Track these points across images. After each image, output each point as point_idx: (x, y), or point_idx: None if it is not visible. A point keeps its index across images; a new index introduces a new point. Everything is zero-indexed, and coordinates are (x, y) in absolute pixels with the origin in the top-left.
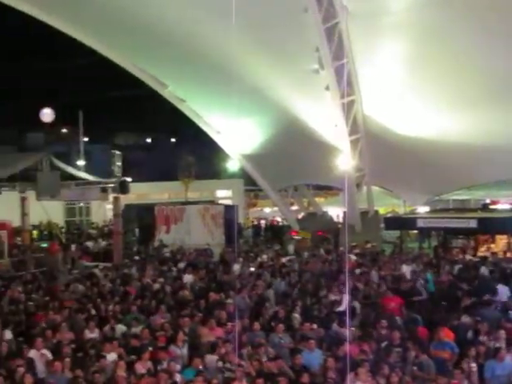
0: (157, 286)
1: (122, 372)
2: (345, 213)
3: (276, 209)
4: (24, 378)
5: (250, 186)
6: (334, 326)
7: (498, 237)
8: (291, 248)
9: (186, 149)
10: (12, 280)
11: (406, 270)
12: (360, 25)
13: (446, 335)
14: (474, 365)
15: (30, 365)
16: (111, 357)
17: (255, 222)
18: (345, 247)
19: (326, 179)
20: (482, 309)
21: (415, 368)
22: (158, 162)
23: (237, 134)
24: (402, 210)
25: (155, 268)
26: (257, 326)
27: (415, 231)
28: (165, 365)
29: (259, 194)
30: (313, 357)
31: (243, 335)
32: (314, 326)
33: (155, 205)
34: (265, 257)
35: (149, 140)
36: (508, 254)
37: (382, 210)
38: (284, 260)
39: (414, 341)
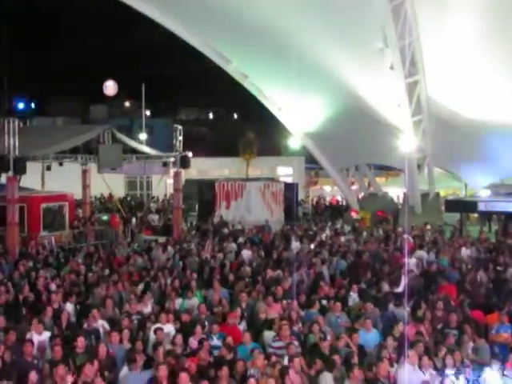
0: (216, 261)
1: (178, 346)
2: (405, 194)
3: (336, 188)
4: (98, 347)
5: (311, 164)
6: (391, 306)
7: None
8: (347, 228)
9: (248, 125)
10: (73, 252)
11: (465, 253)
12: (426, 3)
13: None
14: None
15: (98, 335)
16: (167, 328)
17: (315, 201)
18: (404, 228)
19: (387, 159)
20: None
21: (470, 352)
22: (219, 138)
23: (299, 112)
24: (463, 193)
25: (214, 243)
26: (315, 304)
27: (476, 215)
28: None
29: (320, 173)
30: (369, 337)
31: (298, 313)
32: (371, 305)
33: (216, 180)
34: (324, 235)
35: (211, 115)
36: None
37: (442, 193)
38: (343, 239)
39: (470, 324)
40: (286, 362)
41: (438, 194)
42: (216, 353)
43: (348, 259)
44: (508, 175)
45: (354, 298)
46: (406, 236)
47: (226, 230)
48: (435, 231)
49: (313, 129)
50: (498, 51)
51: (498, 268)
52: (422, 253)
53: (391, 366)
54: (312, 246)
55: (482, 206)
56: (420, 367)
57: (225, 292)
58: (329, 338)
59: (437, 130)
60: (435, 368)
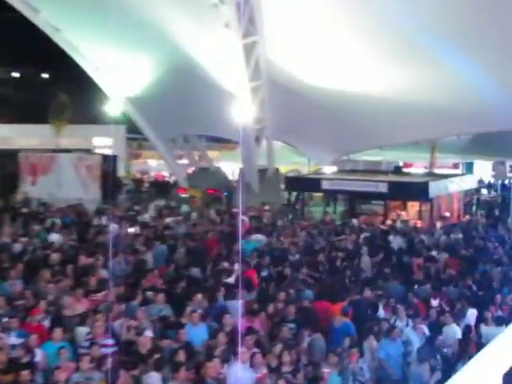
0: (18, 245)
1: None
2: (241, 169)
3: (162, 162)
4: None
5: (134, 134)
6: (221, 298)
7: (409, 204)
8: (186, 207)
9: (61, 87)
10: None
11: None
12: None
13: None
14: (374, 343)
15: None
16: None
17: (138, 176)
18: (239, 208)
19: (221, 130)
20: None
21: (306, 346)
22: (25, 101)
23: (119, 72)
24: (306, 170)
25: (17, 225)
26: (137, 296)
27: (320, 194)
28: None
29: (144, 144)
30: (197, 332)
31: (118, 306)
32: (199, 296)
33: (20, 151)
34: (147, 216)
35: (16, 75)
36: (419, 223)
37: (283, 169)
38: (169, 220)
39: (305, 317)
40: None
41: (277, 171)
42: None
43: (176, 243)
44: (354, 150)
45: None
46: (245, 218)
47: (31, 210)
48: (276, 212)
49: (136, 93)
50: (352, 15)
51: (339, 254)
52: (259, 236)
53: (222, 364)
54: (132, 229)
55: (326, 185)
56: (252, 365)
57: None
58: (149, 333)
59: (278, 98)
60: (269, 366)
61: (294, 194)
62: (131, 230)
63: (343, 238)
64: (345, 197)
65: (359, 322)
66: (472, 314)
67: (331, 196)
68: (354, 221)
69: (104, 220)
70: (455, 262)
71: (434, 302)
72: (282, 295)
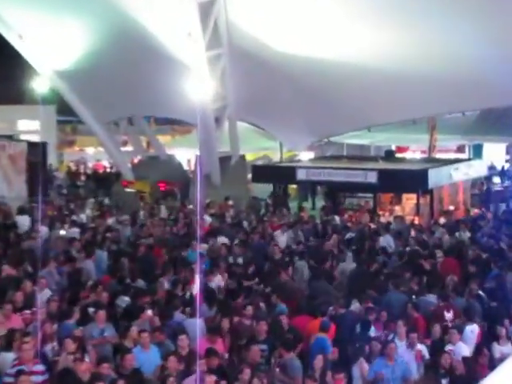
0: None
1: None
2: (198, 157)
3: (102, 149)
4: None
5: (66, 117)
6: (178, 314)
7: (404, 196)
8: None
9: None
10: None
11: (280, 238)
12: None
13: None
14: (366, 366)
15: None
16: None
17: (73, 168)
18: (196, 205)
19: (173, 110)
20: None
21: (278, 370)
22: None
23: (47, 40)
24: (278, 157)
25: None
26: (73, 313)
27: (294, 186)
28: None
29: (79, 128)
30: (148, 357)
31: (51, 325)
32: (149, 312)
33: None
34: (84, 216)
35: None
36: (417, 220)
37: (250, 156)
38: (110, 221)
39: (277, 336)
40: None
41: (243, 158)
42: None
43: (115, 249)
44: (336, 132)
45: (125, 301)
46: (206, 217)
47: None
48: (245, 209)
49: (68, 66)
50: None
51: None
52: (222, 239)
53: None
54: (63, 232)
55: (302, 174)
56: None
57: None
58: (88, 359)
59: (241, 70)
60: None
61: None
62: (65, 232)
63: (326, 240)
64: (325, 189)
65: (345, 341)
66: (471, 330)
67: (309, 188)
68: (337, 218)
69: (31, 221)
70: (461, 266)
71: (448, 315)
72: (250, 310)
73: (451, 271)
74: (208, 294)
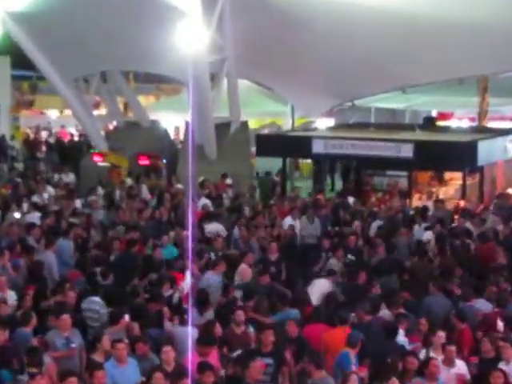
0: None
1: None
2: (188, 124)
3: (69, 113)
4: None
5: (23, 71)
6: (167, 324)
7: (447, 175)
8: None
9: None
10: None
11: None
12: None
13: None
14: None
15: None
16: None
17: (31, 135)
18: (187, 183)
19: (158, 65)
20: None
21: None
22: None
23: None
24: (288, 124)
25: None
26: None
27: (309, 160)
28: None
29: (39, 86)
30: (122, 372)
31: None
32: (126, 318)
33: None
34: (45, 196)
35: None
36: (462, 204)
37: (254, 123)
38: (78, 203)
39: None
40: None
41: (245, 126)
42: None
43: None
44: (362, 94)
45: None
46: (203, 199)
47: None
48: (243, 189)
49: (26, 6)
50: None
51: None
52: (215, 226)
53: None
54: (17, 215)
55: (318, 146)
56: None
57: None
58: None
59: (244, 14)
60: None
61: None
62: (20, 216)
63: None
64: (347, 165)
65: (371, 357)
66: None
67: (327, 164)
68: (351, 200)
69: None
70: None
71: (500, 325)
72: (240, 315)
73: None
74: (200, 296)
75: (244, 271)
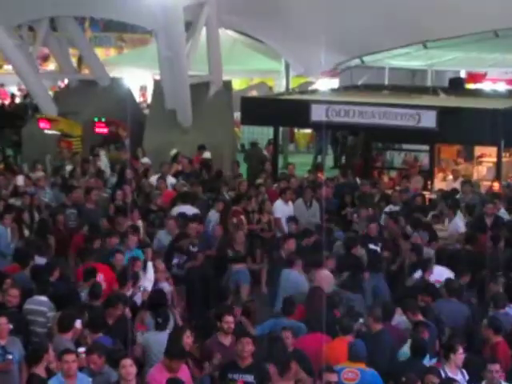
0: None
1: None
2: (157, 83)
3: (9, 68)
4: None
5: None
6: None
7: (478, 150)
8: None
9: None
10: None
11: (284, 210)
12: None
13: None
14: None
15: None
16: None
17: None
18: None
19: (120, 10)
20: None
21: None
22: None
23: None
24: (282, 85)
25: None
26: None
27: (307, 130)
28: None
29: None
30: None
31: None
32: (78, 323)
33: None
34: None
35: None
36: (496, 187)
37: (239, 84)
38: (20, 181)
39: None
40: None
41: (228, 87)
42: None
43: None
44: (374, 48)
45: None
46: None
47: None
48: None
49: None
50: None
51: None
52: (188, 209)
53: None
54: None
55: (318, 113)
56: None
57: None
58: None
59: None
60: None
61: None
62: None
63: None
64: (355, 137)
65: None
66: None
67: (329, 135)
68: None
69: None
70: None
71: None
72: (228, 321)
73: None
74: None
75: None
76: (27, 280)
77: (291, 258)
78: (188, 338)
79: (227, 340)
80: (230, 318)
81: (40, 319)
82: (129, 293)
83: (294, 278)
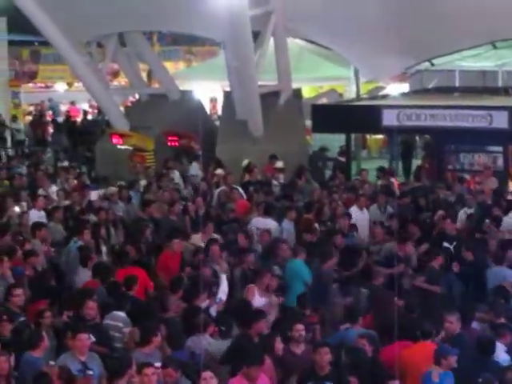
0: None
1: None
2: (228, 94)
3: (79, 85)
4: None
5: (23, 35)
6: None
7: None
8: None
9: None
10: None
11: (359, 217)
12: None
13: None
14: None
15: None
16: None
17: (33, 113)
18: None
19: (188, 22)
20: None
21: None
22: None
23: None
24: (352, 91)
25: None
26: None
27: (379, 136)
28: None
29: (43, 54)
30: None
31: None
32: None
33: None
34: (53, 189)
35: None
36: None
37: (309, 91)
38: (94, 196)
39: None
40: None
41: (298, 95)
42: None
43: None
44: (444, 51)
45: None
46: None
47: None
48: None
49: None
50: None
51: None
52: (268, 222)
53: None
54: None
55: (390, 118)
56: None
57: None
58: None
59: None
60: None
61: None
62: (20, 212)
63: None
64: (427, 140)
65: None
66: None
67: (400, 140)
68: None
69: None
70: None
71: None
72: (299, 330)
73: None
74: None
75: None
76: (105, 295)
77: None
78: (279, 344)
79: (299, 349)
80: (300, 327)
81: (117, 334)
82: (204, 304)
83: None
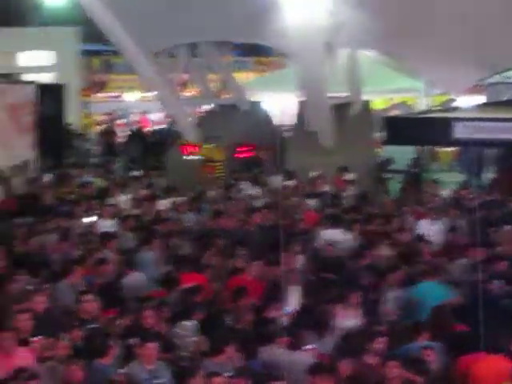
0: None
1: None
2: (300, 105)
3: (150, 95)
4: None
5: (95, 45)
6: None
7: None
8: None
9: None
10: None
11: (430, 229)
12: None
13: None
14: None
15: None
16: None
17: (105, 124)
18: (298, 180)
19: (259, 33)
20: None
21: None
22: None
23: None
24: (422, 103)
25: None
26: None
27: (451, 148)
28: None
29: (113, 63)
30: None
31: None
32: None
33: None
34: (123, 198)
35: None
36: None
37: (379, 103)
38: (163, 206)
39: None
40: None
41: (367, 107)
42: None
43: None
44: None
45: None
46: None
47: None
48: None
49: None
50: None
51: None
52: (334, 233)
53: None
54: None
55: (461, 130)
56: None
57: None
58: None
59: None
60: None
61: None
62: (87, 220)
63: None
64: (500, 153)
65: None
66: None
67: (473, 152)
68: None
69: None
70: None
71: None
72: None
73: None
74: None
75: None
76: (175, 303)
77: None
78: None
79: (374, 360)
80: (382, 339)
81: (183, 343)
82: (274, 315)
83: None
